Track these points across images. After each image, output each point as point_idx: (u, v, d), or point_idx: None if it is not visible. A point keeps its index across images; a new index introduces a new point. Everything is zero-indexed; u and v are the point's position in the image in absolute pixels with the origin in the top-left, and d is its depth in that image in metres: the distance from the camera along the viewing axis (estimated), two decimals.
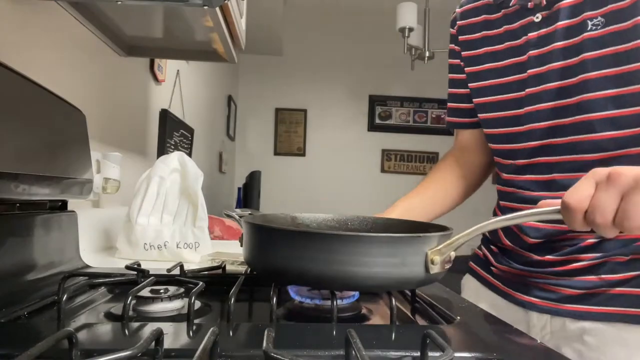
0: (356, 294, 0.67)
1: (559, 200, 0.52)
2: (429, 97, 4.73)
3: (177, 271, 0.77)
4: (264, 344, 0.39)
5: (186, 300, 0.58)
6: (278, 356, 0.37)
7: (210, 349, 0.39)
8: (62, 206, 0.88)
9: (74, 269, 0.84)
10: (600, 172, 0.49)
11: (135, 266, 0.76)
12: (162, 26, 1.16)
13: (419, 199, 0.97)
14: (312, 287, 0.65)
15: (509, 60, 0.81)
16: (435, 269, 0.59)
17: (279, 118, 4.81)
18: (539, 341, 0.51)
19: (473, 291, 0.95)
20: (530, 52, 0.78)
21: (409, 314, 0.68)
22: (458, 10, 0.93)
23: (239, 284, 0.62)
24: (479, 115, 0.88)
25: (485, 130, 0.89)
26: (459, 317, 0.60)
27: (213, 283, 0.77)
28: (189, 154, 2.06)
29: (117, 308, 0.62)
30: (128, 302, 0.54)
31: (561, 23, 0.74)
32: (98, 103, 1.29)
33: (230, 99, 4.20)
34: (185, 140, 2.02)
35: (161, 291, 0.63)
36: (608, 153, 0.71)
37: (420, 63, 3.37)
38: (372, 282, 0.57)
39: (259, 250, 0.64)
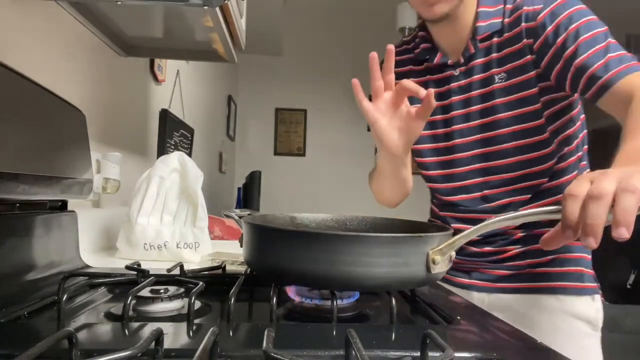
0: (356, 294, 0.67)
1: None
2: None
3: (177, 271, 0.77)
4: (264, 344, 0.39)
5: (186, 300, 0.58)
6: (278, 356, 0.37)
7: (210, 349, 0.39)
8: (62, 206, 0.88)
9: (74, 269, 0.84)
10: (592, 173, 0.54)
11: (135, 266, 0.76)
12: (162, 26, 1.16)
13: (391, 183, 1.03)
14: (313, 287, 0.65)
15: (437, 102, 0.94)
16: (436, 269, 0.59)
17: (279, 118, 4.81)
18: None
19: None
20: (453, 97, 0.96)
21: (409, 314, 0.68)
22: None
23: (239, 284, 0.62)
24: (414, 147, 1.01)
25: (419, 160, 1.04)
26: (459, 317, 0.60)
27: (213, 283, 0.77)
28: (189, 154, 2.06)
29: (117, 308, 0.62)
30: (128, 302, 0.54)
31: (476, 77, 0.94)
32: (98, 103, 1.29)
33: (230, 99, 4.20)
34: (185, 140, 2.02)
35: (161, 291, 0.63)
36: (517, 172, 0.93)
37: None
38: (374, 282, 0.57)
39: (259, 251, 0.64)
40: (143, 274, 0.73)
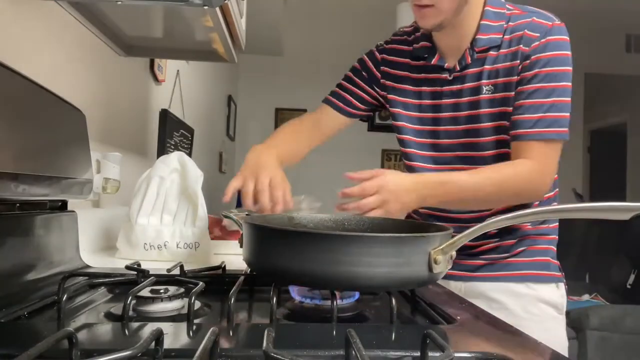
0: (356, 294, 0.67)
1: None
2: None
3: (177, 271, 0.77)
4: (264, 344, 0.39)
5: (186, 300, 0.58)
6: (278, 356, 0.37)
7: (210, 349, 0.39)
8: (62, 206, 0.88)
9: (74, 269, 0.84)
10: (383, 182, 0.85)
11: (135, 266, 0.76)
12: (162, 26, 1.16)
13: (290, 146, 1.17)
14: (314, 287, 0.65)
15: (428, 101, 1.03)
16: (438, 269, 0.59)
17: (279, 118, 4.81)
18: None
19: None
20: (444, 99, 1.01)
21: (409, 314, 0.68)
22: (384, 45, 1.12)
23: (239, 284, 0.62)
24: (400, 136, 1.09)
25: (403, 150, 1.11)
26: (459, 317, 0.60)
27: (213, 283, 0.77)
28: (189, 154, 2.06)
29: (117, 308, 0.62)
30: (128, 302, 0.54)
31: (467, 85, 0.99)
32: (98, 103, 1.29)
33: (230, 99, 4.20)
34: (185, 140, 2.02)
35: (161, 291, 0.63)
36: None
37: None
38: (375, 282, 0.57)
39: (260, 251, 0.64)
40: (143, 274, 0.73)
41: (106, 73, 1.35)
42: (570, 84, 0.93)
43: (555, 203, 1.06)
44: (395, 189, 0.85)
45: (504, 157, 0.98)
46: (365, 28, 4.65)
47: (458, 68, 0.99)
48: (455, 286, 1.05)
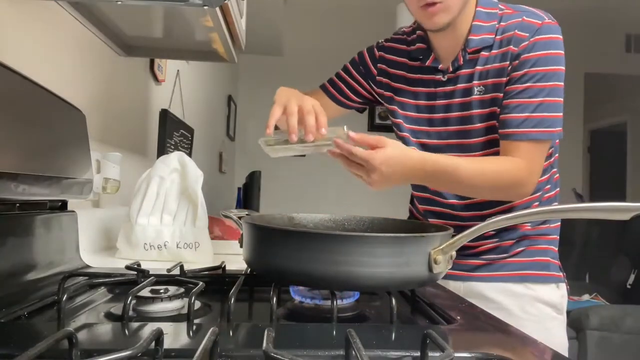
0: (356, 294, 0.67)
1: None
2: None
3: (177, 271, 0.77)
4: (264, 344, 0.39)
5: (186, 300, 0.58)
6: (278, 356, 0.37)
7: (210, 349, 0.39)
8: (62, 206, 0.88)
9: (74, 269, 0.84)
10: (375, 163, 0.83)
11: (135, 266, 0.76)
12: (162, 26, 1.16)
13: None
14: (314, 287, 0.65)
15: (423, 102, 1.05)
16: (438, 269, 0.60)
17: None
18: None
19: None
20: (438, 101, 1.02)
21: (409, 314, 0.68)
22: (384, 43, 1.13)
23: (239, 284, 0.62)
24: (400, 133, 1.10)
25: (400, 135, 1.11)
26: (459, 317, 0.60)
27: (213, 283, 0.77)
28: (189, 154, 2.06)
29: (117, 308, 0.62)
30: (128, 302, 0.54)
31: (459, 86, 0.99)
32: (98, 103, 1.29)
33: (230, 99, 4.20)
34: (185, 140, 2.02)
35: (161, 291, 0.63)
36: None
37: None
38: (375, 282, 0.57)
39: (260, 251, 0.64)
40: (143, 274, 0.73)
41: (106, 73, 1.35)
42: (561, 83, 0.92)
43: (556, 203, 1.06)
44: (385, 171, 0.84)
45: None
46: (365, 28, 4.65)
47: (451, 69, 0.99)
48: (454, 286, 1.05)
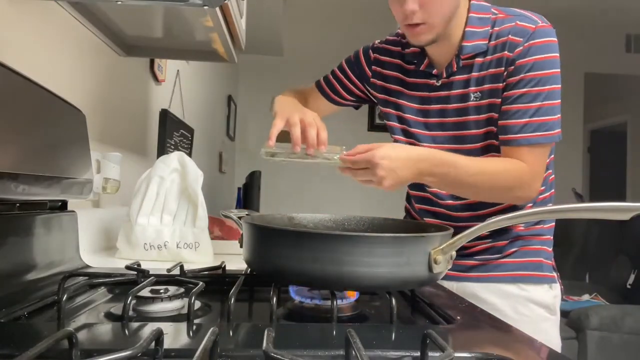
0: (356, 293, 0.67)
1: None
2: None
3: (177, 271, 0.77)
4: (264, 344, 0.39)
5: (186, 300, 0.58)
6: (278, 356, 0.37)
7: (210, 349, 0.39)
8: (62, 206, 0.88)
9: (74, 269, 0.84)
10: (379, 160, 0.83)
11: (135, 266, 0.76)
12: (162, 26, 1.16)
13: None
14: (314, 287, 0.65)
15: (417, 105, 1.04)
16: (438, 269, 0.60)
17: None
18: None
19: None
20: (432, 105, 1.02)
21: (409, 314, 0.68)
22: (379, 45, 1.12)
23: (239, 284, 0.62)
24: (394, 136, 1.10)
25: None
26: (458, 317, 0.60)
27: (213, 283, 0.77)
28: (189, 154, 2.06)
29: (117, 308, 0.62)
30: (128, 302, 0.54)
31: (454, 92, 0.99)
32: (98, 103, 1.29)
33: (230, 99, 4.20)
34: (185, 140, 2.02)
35: (161, 291, 0.63)
36: None
37: None
38: (375, 282, 0.57)
39: (260, 251, 0.64)
40: (143, 274, 0.73)
41: (106, 73, 1.35)
42: (557, 85, 0.92)
43: (551, 204, 1.06)
44: (388, 164, 0.83)
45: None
46: (365, 28, 4.65)
47: (445, 75, 0.99)
48: (448, 286, 1.04)
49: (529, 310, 1.00)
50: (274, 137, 0.90)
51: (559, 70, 0.92)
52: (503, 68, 0.93)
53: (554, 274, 1.05)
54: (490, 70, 0.95)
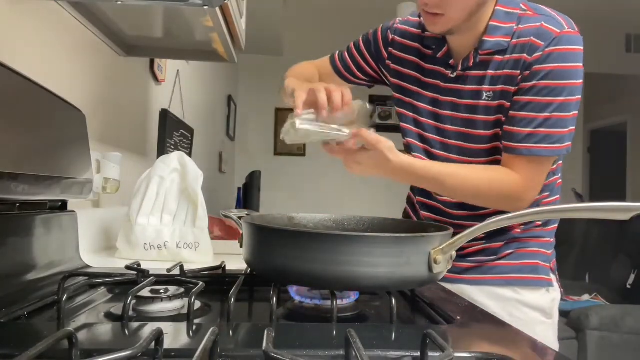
0: (356, 293, 0.67)
1: None
2: None
3: (177, 271, 0.77)
4: (264, 344, 0.39)
5: (186, 300, 0.58)
6: (278, 356, 0.37)
7: (210, 349, 0.39)
8: (62, 206, 0.88)
9: (74, 269, 0.84)
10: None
11: (135, 266, 0.76)
12: (162, 26, 1.16)
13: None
14: (314, 287, 0.65)
15: (429, 93, 1.01)
16: (438, 269, 0.60)
17: (279, 118, 4.81)
18: None
19: None
20: (443, 96, 0.98)
21: (409, 314, 0.68)
22: (399, 25, 1.08)
23: (239, 284, 0.62)
24: (402, 124, 1.08)
25: (405, 141, 1.09)
26: (459, 317, 0.60)
27: (213, 283, 0.77)
28: (189, 154, 2.06)
29: (117, 308, 0.62)
30: (128, 302, 0.54)
31: (467, 87, 0.95)
32: (98, 103, 1.29)
33: (230, 99, 4.20)
34: (185, 140, 2.02)
35: (161, 291, 0.63)
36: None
37: None
38: (376, 282, 0.57)
39: (260, 251, 0.64)
40: (143, 274, 0.73)
41: (106, 73, 1.35)
42: (573, 97, 0.87)
43: None
44: (372, 167, 0.88)
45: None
46: (365, 28, 4.64)
47: (460, 68, 0.95)
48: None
49: (523, 314, 0.98)
50: (300, 106, 0.86)
51: (579, 81, 0.87)
52: (519, 71, 0.89)
53: (552, 277, 1.02)
54: (506, 70, 0.90)
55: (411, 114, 1.04)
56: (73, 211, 0.91)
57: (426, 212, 1.08)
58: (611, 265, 3.14)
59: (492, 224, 0.60)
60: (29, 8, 0.95)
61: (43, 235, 0.77)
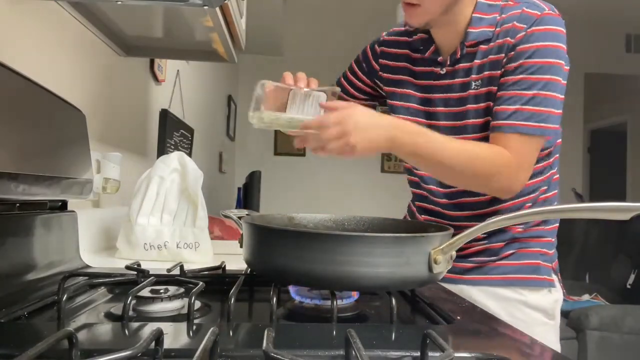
0: (358, 293, 0.67)
1: None
2: None
3: (177, 271, 0.77)
4: (264, 344, 0.39)
5: (186, 300, 0.58)
6: (278, 356, 0.37)
7: (210, 349, 0.39)
8: (62, 206, 0.88)
9: (74, 269, 0.84)
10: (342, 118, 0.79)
11: (135, 266, 0.76)
12: (162, 26, 1.16)
13: None
14: (314, 287, 0.65)
15: (422, 94, 1.02)
16: (438, 269, 0.60)
17: None
18: None
19: None
20: (435, 94, 1.00)
21: (409, 314, 0.68)
22: (385, 37, 1.11)
23: (239, 284, 0.62)
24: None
25: None
26: (458, 317, 0.60)
27: (213, 283, 0.77)
28: (189, 154, 2.06)
29: (117, 308, 0.62)
30: (128, 302, 0.54)
31: (457, 80, 0.97)
32: (98, 103, 1.29)
33: (230, 99, 4.20)
34: (185, 140, 2.02)
35: (161, 291, 0.63)
36: None
37: None
38: (376, 282, 0.57)
39: (260, 251, 0.64)
40: (143, 274, 0.73)
41: (106, 73, 1.35)
42: (558, 77, 0.88)
43: (556, 203, 1.05)
44: (360, 121, 0.79)
45: None
46: (365, 28, 4.65)
47: (449, 63, 0.97)
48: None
49: (524, 315, 0.98)
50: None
51: (562, 62, 0.88)
52: (503, 54, 0.90)
53: (554, 277, 1.01)
54: (491, 56, 0.92)
55: (403, 115, 1.04)
56: (73, 211, 0.91)
57: (425, 216, 1.08)
58: (611, 265, 3.14)
59: (492, 224, 0.60)
60: (29, 8, 0.95)
61: (43, 235, 0.77)
